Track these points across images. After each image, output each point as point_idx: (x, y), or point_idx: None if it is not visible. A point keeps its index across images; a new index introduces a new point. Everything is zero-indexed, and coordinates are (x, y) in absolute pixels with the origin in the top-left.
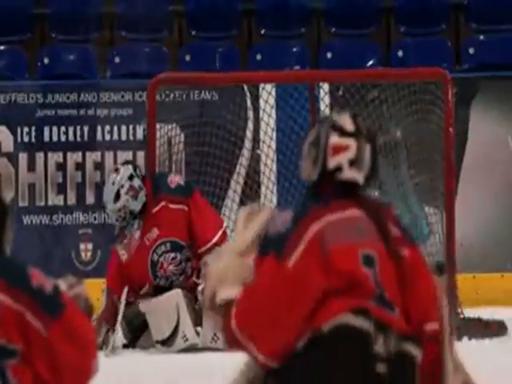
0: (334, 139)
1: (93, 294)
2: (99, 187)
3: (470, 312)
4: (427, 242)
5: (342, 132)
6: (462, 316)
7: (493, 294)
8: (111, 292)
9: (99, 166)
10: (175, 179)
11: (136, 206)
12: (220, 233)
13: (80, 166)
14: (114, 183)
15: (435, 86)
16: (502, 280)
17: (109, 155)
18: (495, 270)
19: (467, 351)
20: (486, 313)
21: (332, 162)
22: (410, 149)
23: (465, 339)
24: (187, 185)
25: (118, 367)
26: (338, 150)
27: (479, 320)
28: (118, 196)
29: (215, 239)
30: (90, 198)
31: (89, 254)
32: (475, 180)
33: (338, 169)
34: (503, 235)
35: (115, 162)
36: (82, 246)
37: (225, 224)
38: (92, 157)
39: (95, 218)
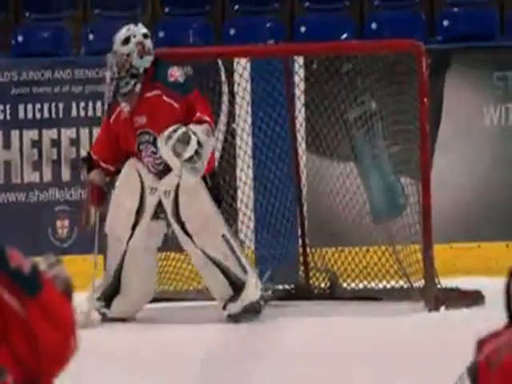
0: None
1: (70, 271)
2: (75, 164)
3: (447, 282)
4: (403, 213)
5: None
6: (439, 286)
7: (470, 263)
8: (96, 158)
9: (74, 142)
10: (175, 73)
11: (139, 63)
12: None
13: (55, 143)
14: (128, 29)
15: (409, 58)
16: (479, 250)
17: (84, 132)
18: (472, 239)
19: (445, 321)
20: (464, 283)
21: None
22: (385, 120)
23: (442, 309)
24: (185, 83)
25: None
26: None
27: (457, 290)
28: (127, 41)
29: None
30: (65, 175)
31: (65, 230)
32: (451, 150)
33: None
34: (479, 205)
35: (91, 138)
36: (58, 223)
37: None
38: (67, 133)
39: (71, 195)
